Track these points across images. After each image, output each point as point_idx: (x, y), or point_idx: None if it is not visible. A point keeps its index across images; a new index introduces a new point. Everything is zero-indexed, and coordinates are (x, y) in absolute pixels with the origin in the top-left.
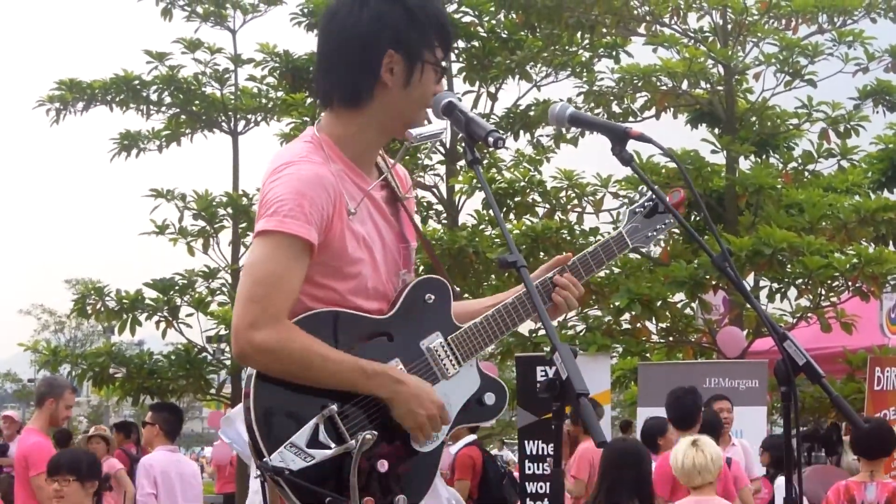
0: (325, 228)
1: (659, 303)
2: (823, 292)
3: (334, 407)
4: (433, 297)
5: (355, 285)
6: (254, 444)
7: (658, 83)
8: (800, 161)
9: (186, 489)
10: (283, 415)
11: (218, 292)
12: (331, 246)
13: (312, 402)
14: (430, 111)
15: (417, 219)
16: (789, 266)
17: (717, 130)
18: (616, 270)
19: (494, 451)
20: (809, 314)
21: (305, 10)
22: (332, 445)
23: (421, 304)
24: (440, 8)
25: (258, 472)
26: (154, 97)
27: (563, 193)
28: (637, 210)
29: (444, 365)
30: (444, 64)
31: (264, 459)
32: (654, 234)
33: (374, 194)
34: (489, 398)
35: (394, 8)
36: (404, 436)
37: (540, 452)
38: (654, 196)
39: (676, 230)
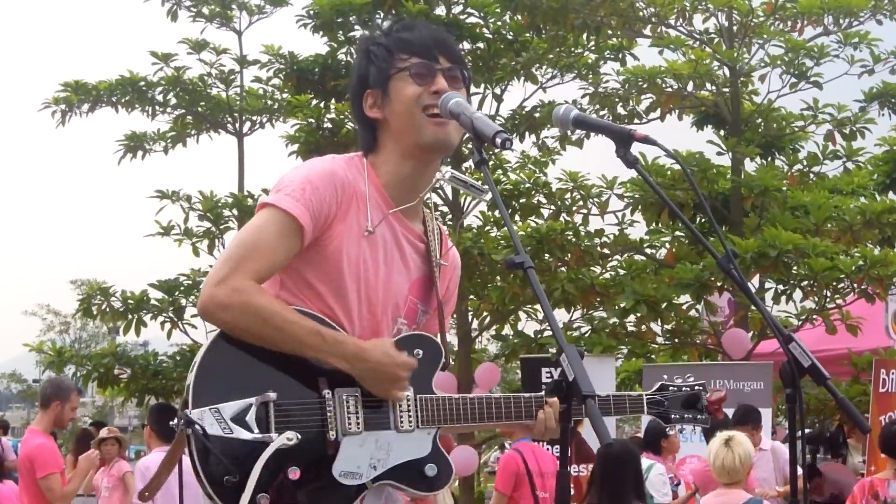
0: (323, 223)
1: (664, 304)
2: (829, 294)
3: (273, 395)
4: (422, 353)
5: (342, 300)
6: (185, 394)
7: (663, 85)
8: (805, 163)
9: (185, 488)
10: (225, 380)
11: None
12: (326, 247)
13: (257, 384)
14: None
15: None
16: (794, 268)
17: (722, 132)
18: (622, 272)
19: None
20: (815, 316)
21: (311, 12)
22: (255, 430)
23: (407, 355)
24: (406, 28)
25: (175, 421)
26: (160, 98)
27: (568, 195)
28: (672, 388)
29: (402, 418)
30: (421, 62)
31: (185, 410)
32: (677, 419)
33: (400, 237)
34: (430, 470)
35: (359, 57)
36: (329, 459)
37: None
38: (699, 388)
39: (681, 232)
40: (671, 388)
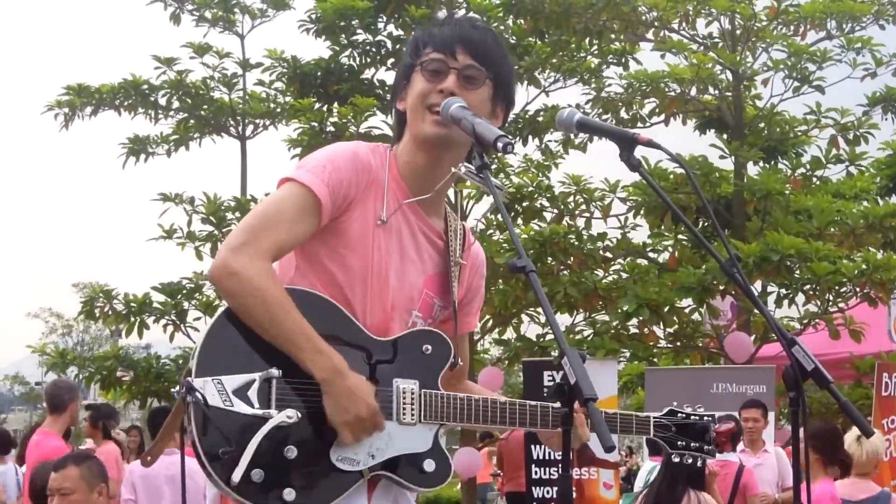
0: (342, 202)
1: (667, 308)
2: (831, 298)
3: (277, 373)
4: (430, 349)
5: (355, 286)
6: (190, 361)
7: (666, 89)
8: (808, 167)
9: (176, 490)
10: (232, 354)
11: None
12: (344, 231)
13: (263, 361)
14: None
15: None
16: (797, 272)
17: (725, 136)
18: (624, 276)
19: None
20: (817, 320)
21: (313, 17)
22: (256, 406)
23: (416, 350)
24: (445, 22)
25: (178, 388)
26: (163, 102)
27: (571, 198)
28: (681, 414)
29: (405, 410)
30: (434, 58)
31: (188, 378)
32: (683, 447)
33: (416, 229)
34: (429, 465)
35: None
36: (327, 443)
37: (547, 457)
38: (708, 420)
39: (684, 236)
40: (680, 414)
